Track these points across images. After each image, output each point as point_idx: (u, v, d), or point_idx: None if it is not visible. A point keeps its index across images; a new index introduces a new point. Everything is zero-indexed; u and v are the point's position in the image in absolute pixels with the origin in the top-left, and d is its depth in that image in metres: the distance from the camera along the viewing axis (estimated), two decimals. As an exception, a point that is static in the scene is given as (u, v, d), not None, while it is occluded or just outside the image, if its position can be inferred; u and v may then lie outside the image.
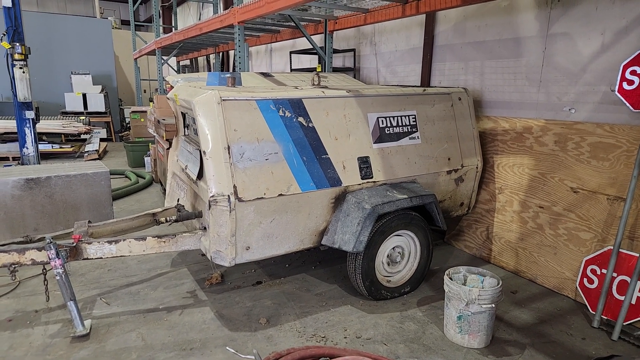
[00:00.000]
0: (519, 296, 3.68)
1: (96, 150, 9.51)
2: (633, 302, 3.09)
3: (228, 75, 4.32)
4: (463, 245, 4.69)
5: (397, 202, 3.38)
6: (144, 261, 4.24)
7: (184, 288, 3.72)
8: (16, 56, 7.05)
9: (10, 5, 6.79)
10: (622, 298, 3.16)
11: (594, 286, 3.41)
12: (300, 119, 3.30)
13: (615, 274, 3.23)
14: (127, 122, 13.89)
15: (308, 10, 5.84)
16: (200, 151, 3.17)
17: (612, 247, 3.24)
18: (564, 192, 3.75)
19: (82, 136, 10.96)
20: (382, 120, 3.66)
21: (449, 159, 4.01)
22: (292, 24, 6.33)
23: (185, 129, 3.97)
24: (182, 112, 3.94)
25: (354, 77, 6.31)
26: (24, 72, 7.18)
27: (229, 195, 2.96)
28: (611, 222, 3.41)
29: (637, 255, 3.08)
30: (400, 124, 3.75)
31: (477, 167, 4.21)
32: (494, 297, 2.86)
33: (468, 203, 4.33)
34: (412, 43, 5.41)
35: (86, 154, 9.37)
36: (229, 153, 3.00)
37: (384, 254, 3.51)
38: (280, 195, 3.15)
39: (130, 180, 7.47)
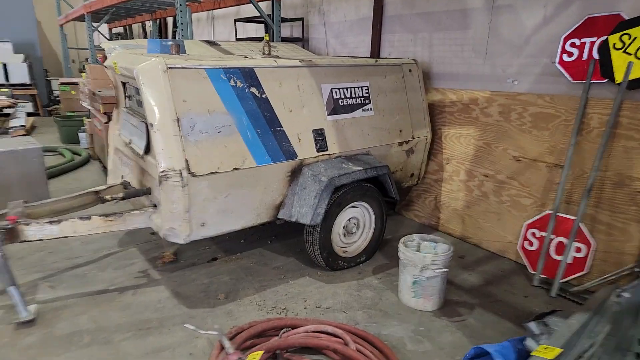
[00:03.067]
0: (467, 260, 3.88)
1: (23, 126, 8.71)
2: (569, 261, 3.36)
3: (170, 42, 4.07)
4: (413, 215, 4.84)
5: (353, 174, 3.40)
6: (89, 242, 4.00)
7: (135, 268, 3.56)
8: None
9: None
10: (559, 258, 3.42)
11: (533, 248, 3.66)
12: (253, 89, 3.18)
13: (553, 236, 3.48)
14: (55, 94, 12.82)
15: (254, -25, 5.59)
16: (146, 124, 2.98)
17: (550, 212, 3.48)
18: (508, 160, 3.94)
19: (5, 110, 10.01)
20: (336, 92, 3.62)
21: (400, 131, 4.07)
22: (237, -10, 6.05)
23: (127, 99, 3.71)
24: (122, 82, 3.67)
25: (303, 47, 6.19)
26: None
27: (180, 170, 2.82)
28: (550, 187, 3.65)
29: (574, 218, 3.33)
30: (353, 96, 3.74)
31: (426, 139, 4.32)
32: (446, 262, 2.99)
33: (418, 174, 4.45)
34: (361, 13, 5.36)
35: (12, 130, 8.57)
36: (178, 125, 2.84)
37: (340, 225, 3.54)
38: (235, 169, 3.05)
39: (65, 157, 6.96)
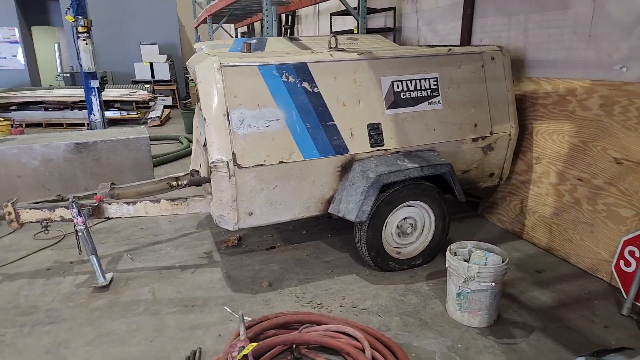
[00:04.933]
0: (545, 276, 3.38)
1: (158, 117, 10.08)
2: (670, 290, 2.71)
3: (254, 40, 4.30)
4: (496, 219, 4.37)
5: (406, 172, 3.21)
6: (174, 222, 4.48)
7: (202, 249, 3.90)
8: (79, 29, 7.57)
9: (72, -20, 7.25)
10: (658, 285, 2.78)
11: (630, 269, 3.02)
12: (305, 84, 3.20)
13: (654, 258, 2.84)
14: (191, 89, 14.52)
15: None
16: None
17: (652, 227, 2.84)
18: (607, 162, 3.31)
19: (151, 104, 11.68)
20: (398, 84, 3.44)
21: (475, 126, 3.69)
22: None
23: (204, 95, 4.03)
24: (200, 79, 3.99)
25: (394, 38, 5.97)
26: (87, 44, 7.70)
27: (227, 162, 2.99)
28: (657, 198, 2.98)
29: (679, 237, 2.67)
30: (418, 88, 3.50)
31: (510, 134, 3.84)
32: (496, 276, 2.65)
33: (499, 173, 3.99)
34: (454, -2, 4.97)
35: (149, 120, 9.98)
36: (228, 120, 3.01)
37: (392, 224, 3.38)
38: (281, 162, 3.12)
39: (183, 145, 7.86)
